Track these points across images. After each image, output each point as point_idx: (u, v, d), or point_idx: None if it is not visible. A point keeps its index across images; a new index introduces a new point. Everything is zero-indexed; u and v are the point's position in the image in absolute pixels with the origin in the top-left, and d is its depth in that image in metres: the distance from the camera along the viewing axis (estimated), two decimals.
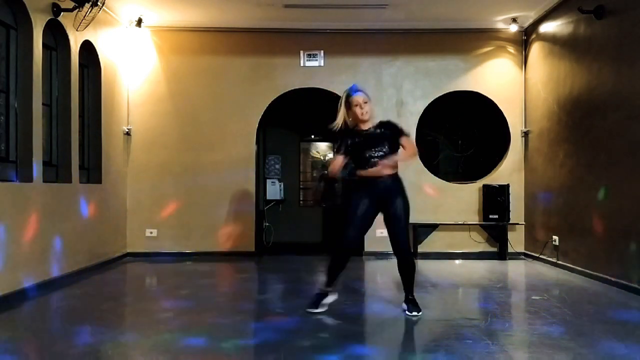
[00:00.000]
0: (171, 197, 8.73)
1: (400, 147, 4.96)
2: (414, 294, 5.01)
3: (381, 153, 4.85)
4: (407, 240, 4.95)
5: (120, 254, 8.34)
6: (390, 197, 4.86)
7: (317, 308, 4.96)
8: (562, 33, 7.59)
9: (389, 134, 4.92)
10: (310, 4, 7.78)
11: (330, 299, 5.09)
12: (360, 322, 4.99)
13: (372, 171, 4.84)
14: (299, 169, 11.60)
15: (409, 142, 5.03)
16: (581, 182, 7.02)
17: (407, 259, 4.93)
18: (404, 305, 4.98)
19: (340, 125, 4.96)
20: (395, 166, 4.95)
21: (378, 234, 8.85)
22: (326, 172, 5.22)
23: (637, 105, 5.84)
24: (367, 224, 4.94)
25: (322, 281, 5.19)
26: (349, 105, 4.92)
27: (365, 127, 4.93)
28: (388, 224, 4.89)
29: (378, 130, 4.93)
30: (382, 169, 4.82)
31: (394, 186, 4.91)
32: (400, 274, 5.01)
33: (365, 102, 4.89)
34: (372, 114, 4.96)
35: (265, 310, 5.36)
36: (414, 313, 4.85)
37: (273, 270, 7.93)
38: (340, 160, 4.95)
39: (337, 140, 5.09)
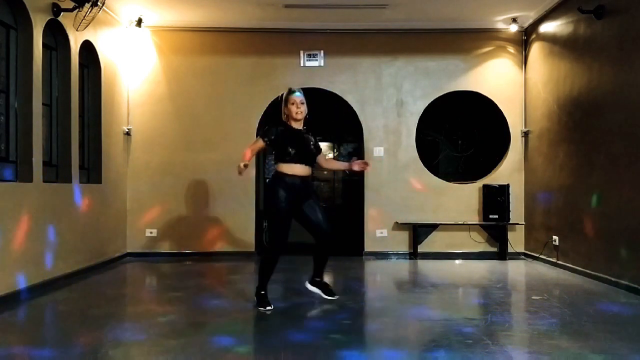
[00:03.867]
0: (171, 197, 8.73)
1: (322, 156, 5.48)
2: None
3: (300, 152, 5.15)
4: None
5: (120, 254, 8.34)
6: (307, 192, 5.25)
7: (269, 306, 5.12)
8: (562, 33, 7.59)
9: (313, 141, 5.30)
10: (310, 4, 7.78)
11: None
12: (360, 322, 4.99)
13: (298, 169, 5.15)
14: None
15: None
16: (581, 182, 7.02)
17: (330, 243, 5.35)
18: (314, 289, 5.40)
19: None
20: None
21: (378, 234, 8.92)
22: None
23: (637, 105, 5.84)
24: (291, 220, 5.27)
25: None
26: (285, 102, 5.25)
27: (296, 125, 5.25)
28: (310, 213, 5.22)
29: (305, 134, 5.26)
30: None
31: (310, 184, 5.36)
32: (318, 263, 5.41)
33: (302, 103, 5.24)
34: (305, 116, 5.29)
35: (266, 310, 5.36)
36: (334, 297, 5.37)
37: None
38: (256, 145, 5.28)
39: (265, 126, 5.44)
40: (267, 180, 5.59)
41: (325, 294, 5.38)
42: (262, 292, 5.17)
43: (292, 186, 5.08)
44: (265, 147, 5.31)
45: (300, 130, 5.24)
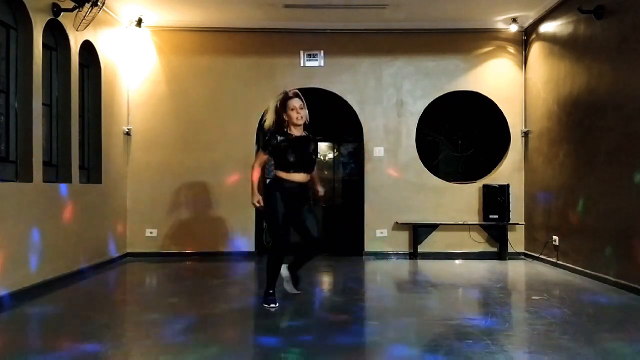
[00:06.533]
0: (171, 197, 8.73)
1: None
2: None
3: (299, 160, 5.12)
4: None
5: (120, 254, 8.34)
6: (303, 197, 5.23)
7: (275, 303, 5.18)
8: (562, 33, 7.59)
9: (313, 148, 5.29)
10: (310, 4, 7.78)
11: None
12: (360, 322, 4.99)
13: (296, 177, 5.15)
14: None
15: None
16: (581, 182, 7.02)
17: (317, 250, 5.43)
18: (286, 274, 5.47)
19: (270, 125, 5.19)
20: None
21: (378, 234, 8.92)
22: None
23: (637, 105, 5.84)
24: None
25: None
26: (284, 108, 5.11)
27: (296, 132, 5.16)
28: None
29: (306, 140, 5.22)
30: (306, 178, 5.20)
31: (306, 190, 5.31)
32: (302, 258, 5.46)
33: (302, 108, 5.13)
34: (305, 121, 5.19)
35: (265, 310, 5.36)
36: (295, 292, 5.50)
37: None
38: (260, 160, 5.27)
39: (265, 136, 5.33)
40: (267, 181, 5.53)
41: (292, 286, 5.52)
42: (270, 291, 5.18)
43: (289, 191, 5.09)
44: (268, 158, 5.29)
45: (300, 136, 5.18)
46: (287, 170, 5.10)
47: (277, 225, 5.11)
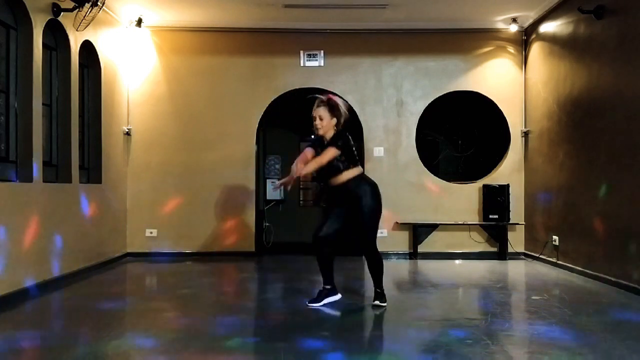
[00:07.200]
0: (171, 197, 8.73)
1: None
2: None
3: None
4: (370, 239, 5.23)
5: (120, 254, 8.34)
6: (352, 201, 5.11)
7: (317, 303, 5.16)
8: (562, 33, 7.59)
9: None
10: (310, 4, 7.78)
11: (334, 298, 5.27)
12: (360, 322, 4.99)
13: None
14: None
15: (325, 152, 5.09)
16: (581, 182, 7.02)
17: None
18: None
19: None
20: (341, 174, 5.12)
21: (378, 234, 8.88)
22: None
23: (637, 105, 5.83)
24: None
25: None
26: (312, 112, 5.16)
27: (324, 140, 5.17)
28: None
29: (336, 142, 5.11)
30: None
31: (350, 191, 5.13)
32: (328, 264, 5.28)
33: (321, 119, 5.09)
34: (326, 130, 5.14)
35: (266, 310, 5.37)
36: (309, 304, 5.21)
37: (273, 270, 7.93)
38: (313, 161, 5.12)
39: (318, 142, 5.25)
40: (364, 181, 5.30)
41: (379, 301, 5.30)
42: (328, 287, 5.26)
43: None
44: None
45: (323, 142, 5.16)
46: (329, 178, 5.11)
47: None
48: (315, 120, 5.13)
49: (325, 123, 5.11)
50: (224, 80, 8.86)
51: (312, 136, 5.18)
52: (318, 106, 5.12)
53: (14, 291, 5.48)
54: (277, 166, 10.98)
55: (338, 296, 5.30)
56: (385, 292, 5.28)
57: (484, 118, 9.62)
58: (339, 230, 5.21)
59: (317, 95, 5.22)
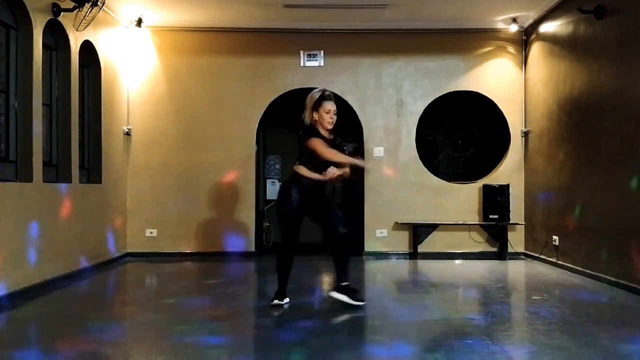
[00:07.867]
0: (171, 197, 8.73)
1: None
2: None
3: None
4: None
5: (120, 254, 8.34)
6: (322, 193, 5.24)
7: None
8: (562, 33, 7.59)
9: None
10: (310, 4, 7.78)
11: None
12: (360, 322, 4.98)
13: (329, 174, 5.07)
14: None
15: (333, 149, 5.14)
16: (581, 182, 7.02)
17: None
18: (341, 296, 5.14)
19: (308, 122, 5.08)
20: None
21: (378, 234, 8.92)
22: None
23: (637, 105, 5.83)
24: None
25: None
26: (318, 108, 5.02)
27: (327, 135, 5.10)
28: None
29: (337, 142, 5.19)
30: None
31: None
32: (338, 260, 5.22)
33: (336, 114, 5.07)
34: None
35: (266, 310, 5.36)
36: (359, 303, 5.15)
37: (273, 271, 7.90)
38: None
39: (312, 135, 5.08)
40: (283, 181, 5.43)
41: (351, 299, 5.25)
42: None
43: (306, 188, 5.07)
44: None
45: (333, 142, 5.13)
46: (321, 172, 5.05)
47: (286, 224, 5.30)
48: (335, 117, 5.07)
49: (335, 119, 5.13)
50: (224, 80, 8.86)
51: (301, 132, 5.07)
52: (333, 100, 5.10)
53: (13, 292, 5.48)
54: (277, 166, 10.98)
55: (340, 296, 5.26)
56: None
57: (484, 118, 9.61)
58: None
59: (326, 89, 5.17)
